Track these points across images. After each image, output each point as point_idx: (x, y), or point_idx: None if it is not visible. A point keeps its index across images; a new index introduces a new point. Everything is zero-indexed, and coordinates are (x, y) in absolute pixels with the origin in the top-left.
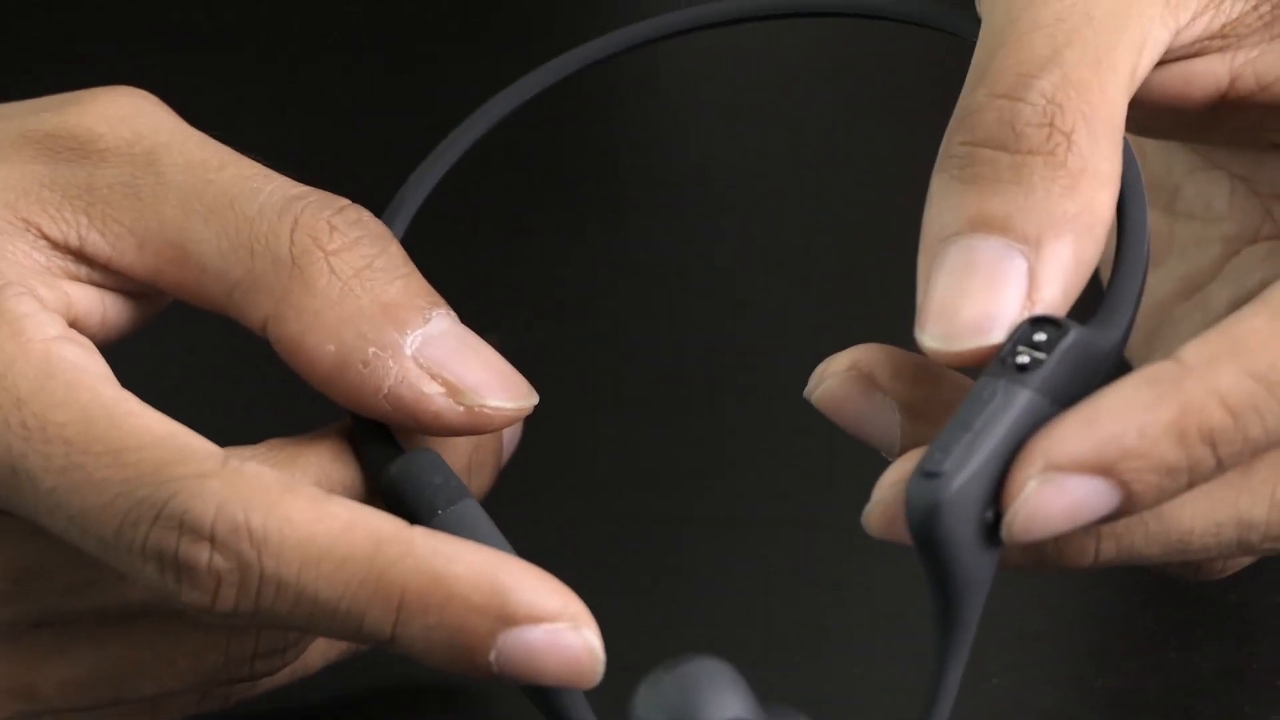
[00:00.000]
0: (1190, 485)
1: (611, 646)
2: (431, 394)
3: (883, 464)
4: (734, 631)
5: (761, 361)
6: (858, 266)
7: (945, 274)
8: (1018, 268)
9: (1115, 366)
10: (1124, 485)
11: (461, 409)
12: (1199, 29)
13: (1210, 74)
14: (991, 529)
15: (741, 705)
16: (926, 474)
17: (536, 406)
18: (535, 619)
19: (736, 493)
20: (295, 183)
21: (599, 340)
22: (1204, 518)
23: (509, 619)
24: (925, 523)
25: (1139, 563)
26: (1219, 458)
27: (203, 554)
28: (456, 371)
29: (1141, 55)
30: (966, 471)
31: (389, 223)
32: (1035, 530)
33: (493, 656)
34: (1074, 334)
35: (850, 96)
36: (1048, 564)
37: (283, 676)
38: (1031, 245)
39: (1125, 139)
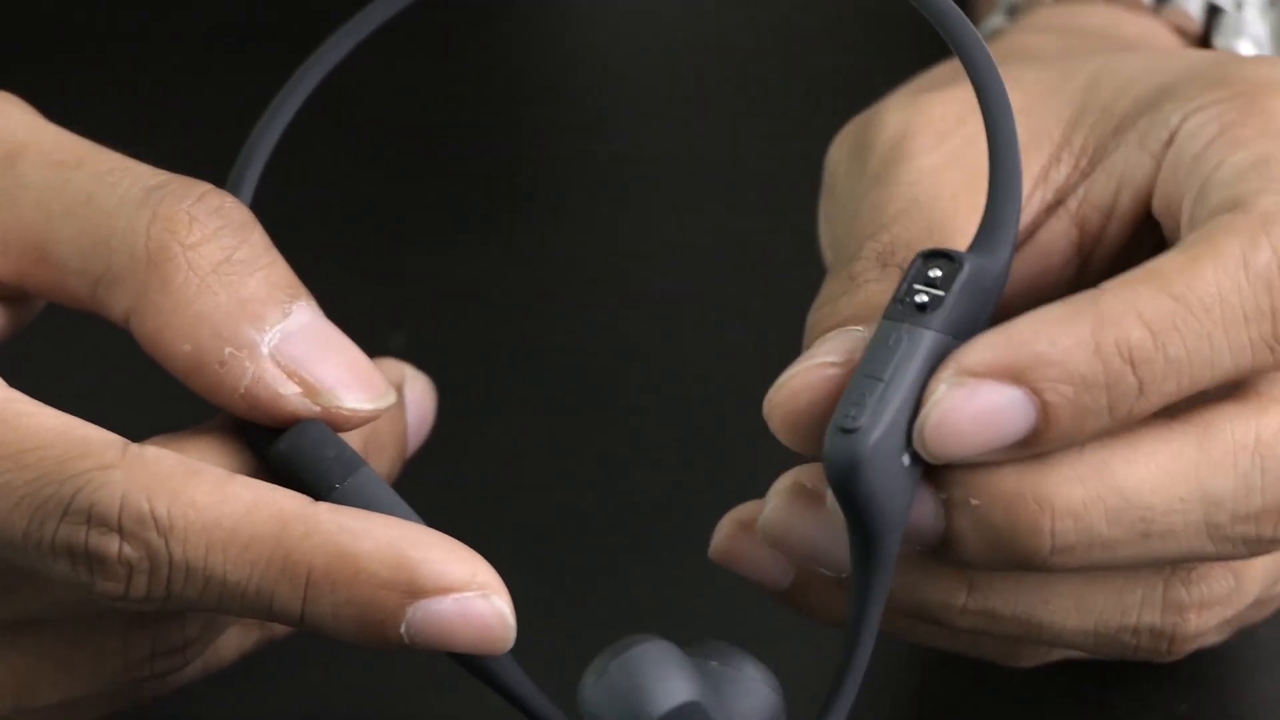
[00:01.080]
0: (1114, 413)
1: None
2: (287, 394)
3: (777, 455)
4: (662, 616)
5: (672, 354)
6: (772, 261)
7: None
8: (856, 339)
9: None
10: (1038, 395)
11: (318, 409)
12: (1036, 206)
13: (1060, 235)
14: (909, 471)
15: (690, 687)
16: (843, 430)
17: (442, 403)
18: (443, 589)
19: (651, 484)
20: (155, 171)
21: (508, 336)
22: (1165, 490)
23: (417, 591)
24: (847, 479)
25: (1095, 564)
26: (1139, 379)
27: (112, 545)
28: (314, 371)
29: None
30: (882, 424)
31: (234, 186)
32: (948, 439)
33: (403, 629)
34: (968, 266)
35: (767, 91)
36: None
37: (194, 671)
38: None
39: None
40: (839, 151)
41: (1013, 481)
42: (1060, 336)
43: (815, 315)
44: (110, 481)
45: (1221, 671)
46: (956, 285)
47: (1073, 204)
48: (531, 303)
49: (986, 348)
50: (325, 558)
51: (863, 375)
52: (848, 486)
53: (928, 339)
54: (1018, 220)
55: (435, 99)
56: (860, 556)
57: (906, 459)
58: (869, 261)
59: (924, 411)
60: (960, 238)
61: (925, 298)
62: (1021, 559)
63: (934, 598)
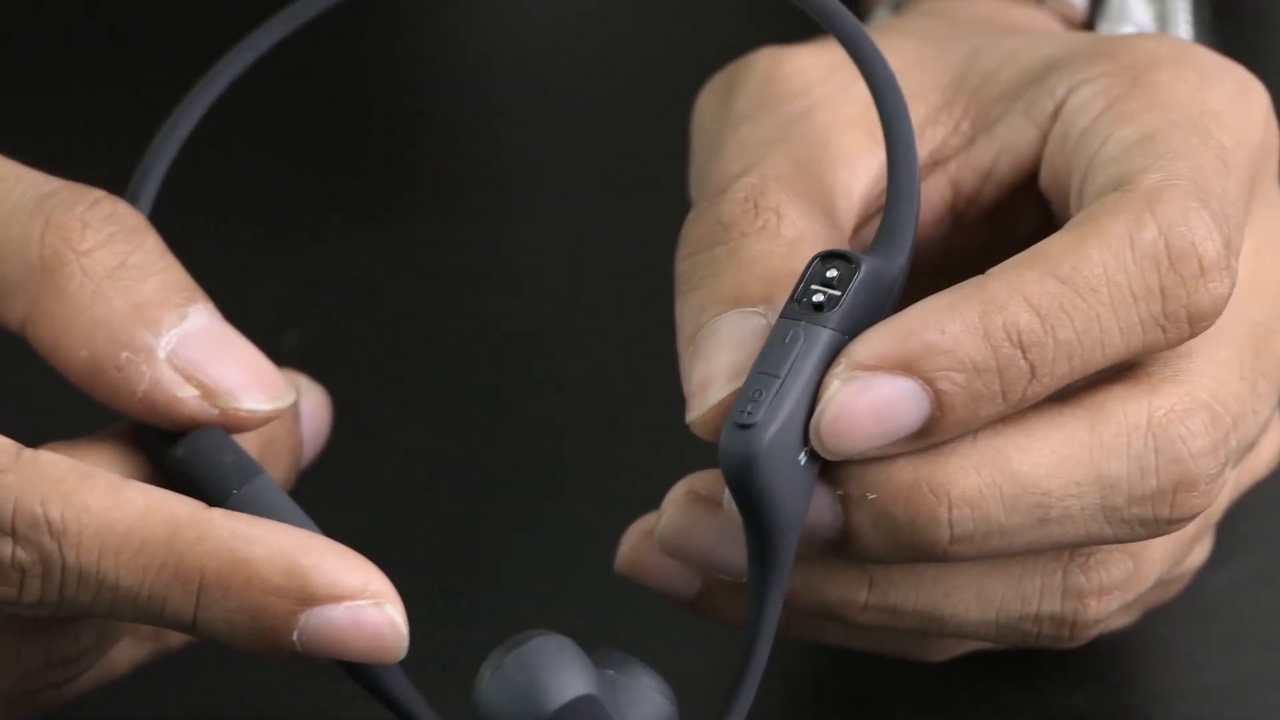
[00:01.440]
0: (1007, 398)
1: (425, 635)
2: (185, 398)
3: (668, 449)
4: (563, 618)
5: (568, 349)
6: (666, 255)
7: (696, 357)
8: (755, 326)
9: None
10: (930, 385)
11: (216, 411)
12: (943, 135)
13: (934, 192)
14: (806, 469)
15: (585, 681)
16: (740, 426)
17: (336, 401)
18: (336, 597)
19: (550, 483)
20: (48, 178)
21: (401, 332)
22: (1060, 475)
23: (310, 599)
24: (742, 475)
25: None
26: (1030, 362)
27: (5, 548)
28: (211, 373)
29: (847, 172)
30: (778, 420)
31: (134, 197)
32: (843, 435)
33: (296, 636)
34: (865, 267)
35: (660, 87)
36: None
37: (87, 681)
38: (768, 305)
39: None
40: (705, 100)
41: (909, 473)
42: (949, 323)
43: (688, 263)
44: (3, 485)
45: (1116, 664)
46: (853, 286)
47: (952, 166)
48: (425, 298)
49: (877, 340)
50: (218, 563)
51: (759, 372)
52: (743, 482)
53: (824, 337)
54: (915, 223)
55: (328, 93)
56: (757, 555)
57: (803, 457)
58: (740, 204)
59: (819, 408)
60: (827, 178)
61: (822, 297)
62: (921, 550)
63: (835, 596)
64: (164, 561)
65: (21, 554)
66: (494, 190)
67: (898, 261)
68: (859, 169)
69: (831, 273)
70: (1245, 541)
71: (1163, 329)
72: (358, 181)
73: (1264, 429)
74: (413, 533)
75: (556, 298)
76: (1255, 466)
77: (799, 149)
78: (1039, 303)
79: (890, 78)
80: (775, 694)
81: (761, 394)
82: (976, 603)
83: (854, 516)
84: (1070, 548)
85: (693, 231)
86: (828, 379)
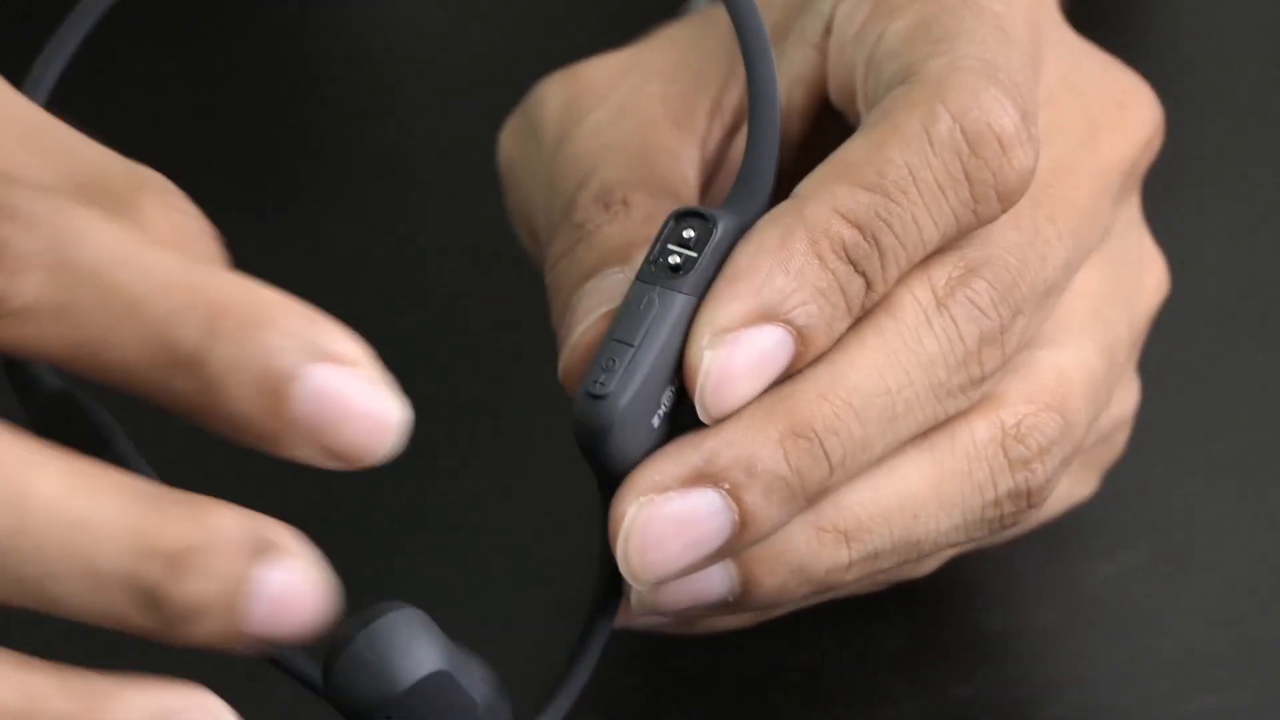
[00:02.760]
0: (851, 311)
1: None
2: None
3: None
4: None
5: (458, 345)
6: None
7: (564, 324)
8: (615, 281)
9: None
10: (791, 324)
11: None
12: (718, 136)
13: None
14: (657, 431)
15: (439, 655)
16: (592, 396)
17: None
18: (344, 359)
19: (437, 478)
20: None
21: None
22: (890, 371)
23: (320, 352)
24: (594, 443)
25: None
26: (863, 273)
27: (13, 233)
28: None
29: (674, 163)
30: (631, 390)
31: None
32: (727, 396)
33: (297, 392)
34: (721, 227)
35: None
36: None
37: None
38: (627, 265)
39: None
40: (508, 141)
41: (774, 428)
42: (787, 261)
43: (553, 273)
44: (23, 188)
45: (1004, 654)
46: (710, 246)
47: None
48: (310, 294)
49: (734, 301)
50: (238, 294)
51: (612, 339)
52: (595, 449)
53: (679, 303)
54: (774, 175)
55: (213, 86)
56: (609, 509)
57: (656, 420)
58: (589, 207)
59: (699, 385)
60: (661, 170)
61: (678, 259)
62: (812, 492)
63: (821, 569)
64: (181, 282)
65: (29, 240)
66: (383, 184)
67: (754, 213)
68: (683, 158)
69: (688, 233)
70: (1133, 532)
71: (975, 211)
72: (243, 174)
73: (1070, 267)
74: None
75: (447, 293)
76: (1143, 300)
77: (624, 152)
78: (856, 216)
79: (759, 30)
80: (653, 683)
81: (615, 363)
82: (942, 511)
83: (747, 498)
84: (921, 433)
85: (553, 247)
86: (694, 351)
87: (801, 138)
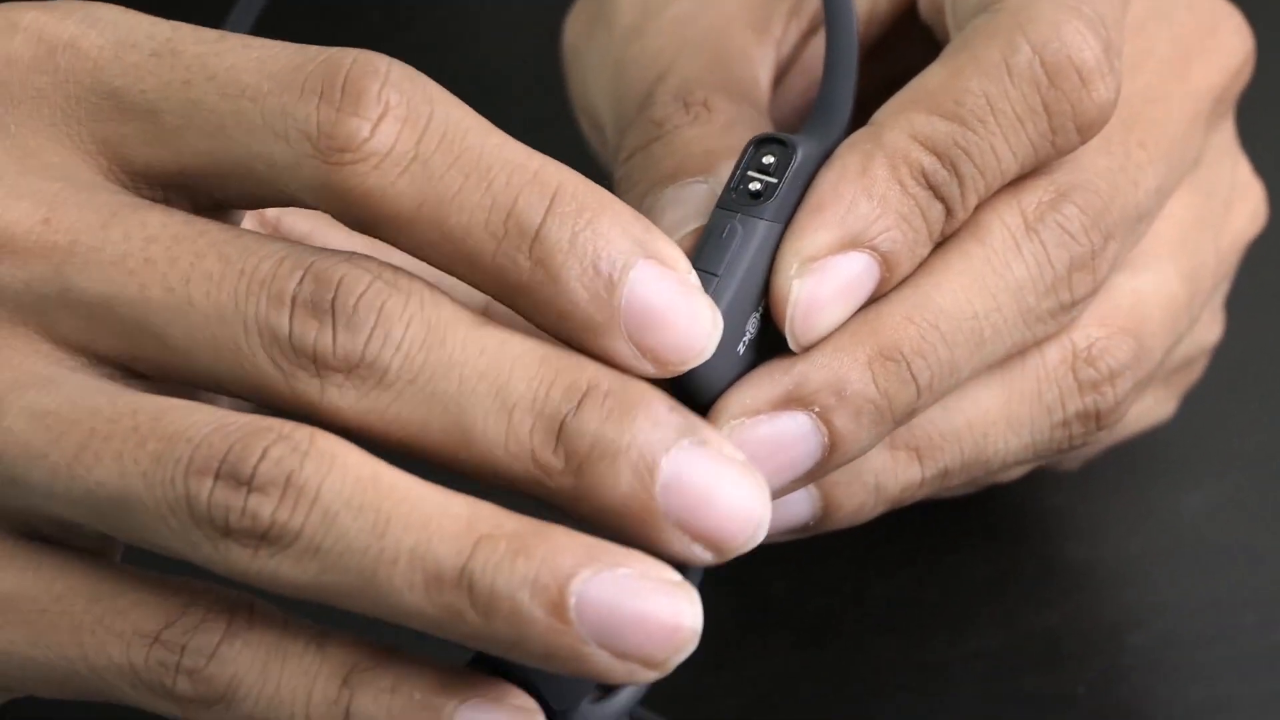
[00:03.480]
0: (932, 237)
1: None
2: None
3: None
4: None
5: None
6: None
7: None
8: (697, 191)
9: None
10: (876, 250)
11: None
12: (794, 37)
13: (820, 53)
14: (743, 357)
15: None
16: None
17: None
18: (671, 262)
19: None
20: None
21: None
22: (978, 295)
23: (650, 249)
24: (683, 375)
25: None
26: (943, 198)
27: (374, 83)
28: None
29: (750, 66)
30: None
31: None
32: (816, 323)
33: (628, 282)
34: (801, 153)
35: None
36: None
37: None
38: (708, 174)
39: None
40: (576, 26)
41: (861, 353)
42: (869, 187)
43: (627, 167)
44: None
45: (1089, 583)
46: (790, 172)
47: None
48: None
49: (818, 229)
50: (577, 183)
51: (696, 269)
52: (682, 378)
53: (761, 229)
54: (852, 102)
55: None
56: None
57: (741, 347)
58: (669, 105)
59: (789, 314)
60: (737, 72)
61: (759, 185)
62: (900, 415)
63: (896, 487)
64: (525, 161)
65: (394, 95)
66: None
67: (833, 138)
68: (758, 61)
69: (768, 159)
70: (1221, 463)
71: (1053, 143)
72: None
73: (1161, 194)
74: None
75: None
76: (1234, 229)
77: (704, 50)
78: (934, 144)
79: None
80: (739, 611)
81: None
82: (1010, 431)
83: (837, 421)
84: (1007, 358)
85: (627, 139)
86: (782, 280)
87: (879, 45)
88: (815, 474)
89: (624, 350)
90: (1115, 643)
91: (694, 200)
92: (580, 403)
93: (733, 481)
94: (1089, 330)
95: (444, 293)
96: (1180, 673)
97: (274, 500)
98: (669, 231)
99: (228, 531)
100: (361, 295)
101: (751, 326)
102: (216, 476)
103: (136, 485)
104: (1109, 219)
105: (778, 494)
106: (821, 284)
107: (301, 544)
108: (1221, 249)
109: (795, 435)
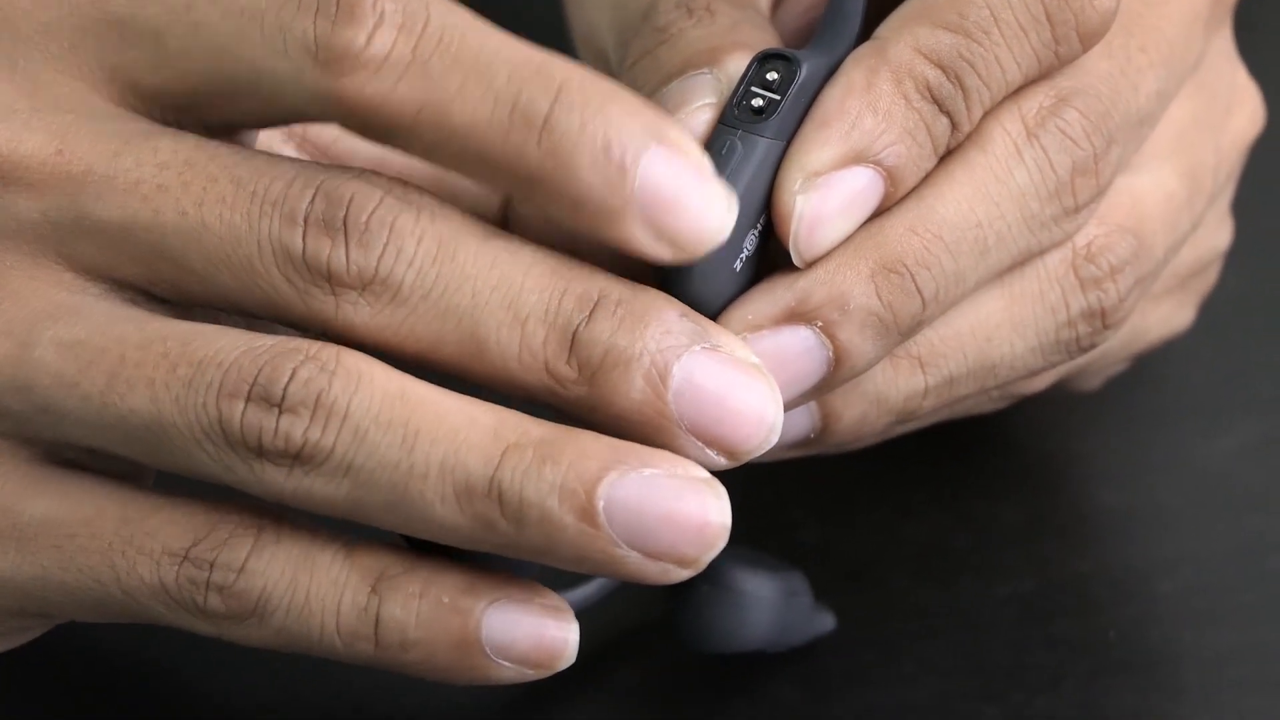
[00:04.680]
0: (937, 150)
1: None
2: None
3: None
4: None
5: None
6: None
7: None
8: (704, 80)
9: None
10: (881, 165)
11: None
12: None
13: None
14: (741, 273)
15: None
16: None
17: None
18: (683, 148)
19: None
20: None
21: None
22: (982, 204)
23: (661, 135)
24: (676, 287)
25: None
26: (948, 112)
27: (365, 20)
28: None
29: None
30: None
31: None
32: (821, 239)
33: (641, 167)
34: (805, 70)
35: None
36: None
37: None
38: (717, 66)
39: None
40: None
41: (864, 265)
42: (874, 102)
43: (631, 73)
44: None
45: (1120, 530)
46: (793, 89)
47: None
48: None
49: (823, 144)
50: (584, 75)
51: None
52: (677, 292)
53: (761, 147)
54: (860, 18)
55: None
56: None
57: (739, 264)
58: (671, 12)
59: (792, 228)
60: None
61: (761, 101)
62: (905, 327)
63: (899, 397)
64: (528, 57)
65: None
66: None
67: (839, 54)
68: None
69: (771, 75)
70: (1247, 408)
71: (1056, 52)
72: None
73: (1163, 97)
74: None
75: None
76: (1233, 130)
77: None
78: (939, 56)
79: None
80: (773, 552)
81: None
82: (1015, 334)
83: (841, 335)
84: (1014, 267)
85: (631, 49)
86: (785, 195)
87: None
88: (821, 389)
89: (640, 235)
90: (1146, 589)
91: (701, 88)
92: (592, 312)
93: (745, 386)
94: (1088, 229)
95: (454, 206)
96: (1210, 618)
97: (305, 420)
98: (676, 109)
99: (261, 452)
100: (373, 212)
101: (749, 244)
102: (248, 399)
103: (169, 411)
104: (1110, 123)
105: (784, 409)
106: (826, 199)
107: (334, 462)
108: (1222, 149)
109: (799, 349)
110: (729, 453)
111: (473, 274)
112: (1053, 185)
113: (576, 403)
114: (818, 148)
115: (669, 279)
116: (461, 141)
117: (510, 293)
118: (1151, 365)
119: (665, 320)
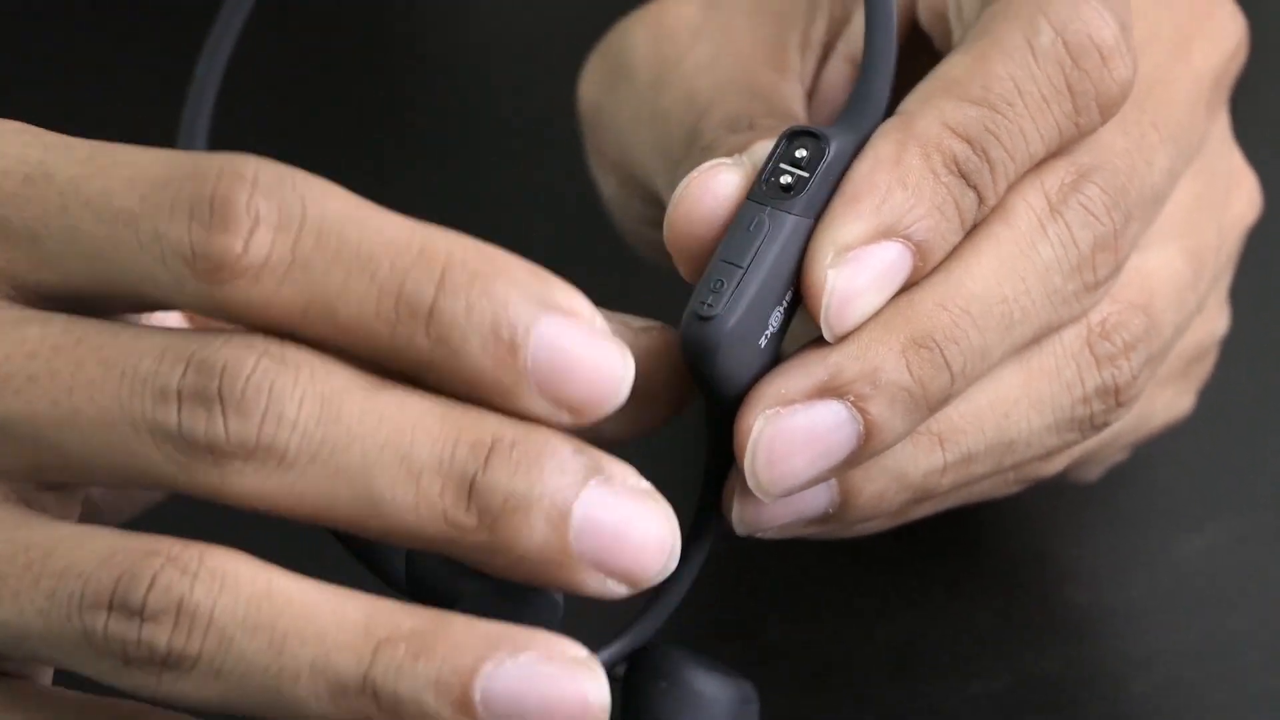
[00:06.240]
0: (964, 225)
1: None
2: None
3: None
4: None
5: None
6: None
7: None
8: (729, 162)
9: None
10: (910, 240)
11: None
12: (811, 66)
13: (836, 74)
14: (766, 349)
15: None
16: (700, 318)
17: None
18: (572, 312)
19: None
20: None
21: None
22: (1007, 279)
23: (549, 303)
24: (701, 364)
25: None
26: (975, 186)
27: (242, 194)
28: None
29: (781, 94)
30: (738, 312)
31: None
32: (852, 313)
33: (530, 346)
34: (834, 147)
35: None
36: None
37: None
38: (743, 152)
39: None
40: (591, 84)
41: (895, 341)
42: (904, 176)
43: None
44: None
45: (1092, 628)
46: (822, 166)
47: (841, 46)
48: None
49: (855, 219)
50: (465, 250)
51: (722, 260)
52: (703, 370)
53: (789, 224)
54: (889, 92)
55: (323, 33)
56: (715, 430)
57: (764, 340)
58: (716, 130)
59: (824, 302)
60: (775, 101)
61: (790, 178)
62: (934, 402)
63: (918, 473)
64: (409, 240)
65: (261, 202)
66: (480, 135)
67: (866, 130)
68: (789, 95)
69: (800, 152)
70: (1222, 505)
71: (1077, 124)
72: (347, 121)
73: (1173, 174)
74: None
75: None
76: (1233, 214)
77: (737, 88)
78: (965, 130)
79: None
80: (744, 654)
81: (723, 285)
82: (1033, 410)
83: (872, 409)
84: (1035, 343)
85: (682, 167)
86: (815, 269)
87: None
88: (851, 463)
89: (539, 406)
90: (1119, 688)
91: (725, 166)
92: (487, 458)
93: (643, 515)
94: (1102, 306)
95: (338, 361)
96: (1183, 717)
97: (168, 628)
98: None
99: (128, 660)
100: (248, 377)
101: (775, 321)
102: (110, 608)
103: (36, 623)
104: (1129, 199)
105: (812, 483)
106: (857, 273)
107: (202, 668)
108: (1223, 231)
109: (831, 424)
110: (630, 582)
111: (360, 432)
112: (1075, 260)
113: (478, 549)
114: (849, 222)
115: (696, 359)
116: (350, 335)
117: (401, 447)
118: (1122, 465)
119: (560, 458)
